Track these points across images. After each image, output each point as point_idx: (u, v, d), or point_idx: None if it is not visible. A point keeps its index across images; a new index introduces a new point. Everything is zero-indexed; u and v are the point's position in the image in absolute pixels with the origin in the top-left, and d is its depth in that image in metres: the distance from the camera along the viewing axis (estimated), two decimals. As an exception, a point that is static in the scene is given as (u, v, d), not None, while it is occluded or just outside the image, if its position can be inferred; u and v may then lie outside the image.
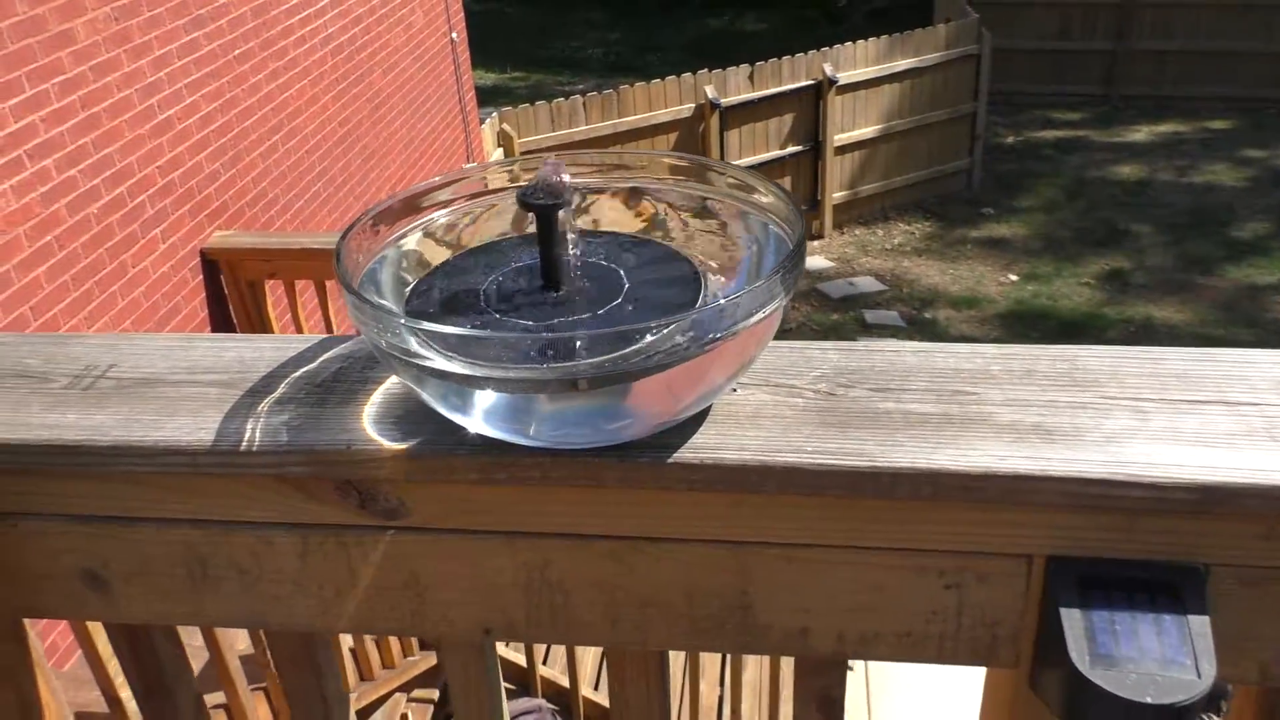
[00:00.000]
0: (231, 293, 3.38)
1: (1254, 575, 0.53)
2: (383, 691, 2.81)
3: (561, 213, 0.54)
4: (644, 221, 0.64)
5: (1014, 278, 6.99)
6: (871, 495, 0.54)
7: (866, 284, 7.05)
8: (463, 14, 5.79)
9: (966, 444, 0.54)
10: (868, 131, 7.42)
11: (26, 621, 0.71)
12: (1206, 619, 0.52)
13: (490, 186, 0.67)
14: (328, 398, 0.61)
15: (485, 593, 0.62)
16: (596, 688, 3.19)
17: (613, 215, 0.65)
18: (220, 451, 0.58)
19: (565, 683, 3.02)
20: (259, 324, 3.33)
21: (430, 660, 2.83)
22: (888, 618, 0.59)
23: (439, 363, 0.49)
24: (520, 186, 0.66)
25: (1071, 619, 0.53)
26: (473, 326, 0.53)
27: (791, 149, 7.27)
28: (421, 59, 5.23)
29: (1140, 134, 8.87)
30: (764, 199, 0.60)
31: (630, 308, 0.54)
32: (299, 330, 3.31)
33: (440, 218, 0.63)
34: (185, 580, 0.64)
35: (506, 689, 2.87)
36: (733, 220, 0.62)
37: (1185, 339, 6.20)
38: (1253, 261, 6.95)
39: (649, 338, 0.49)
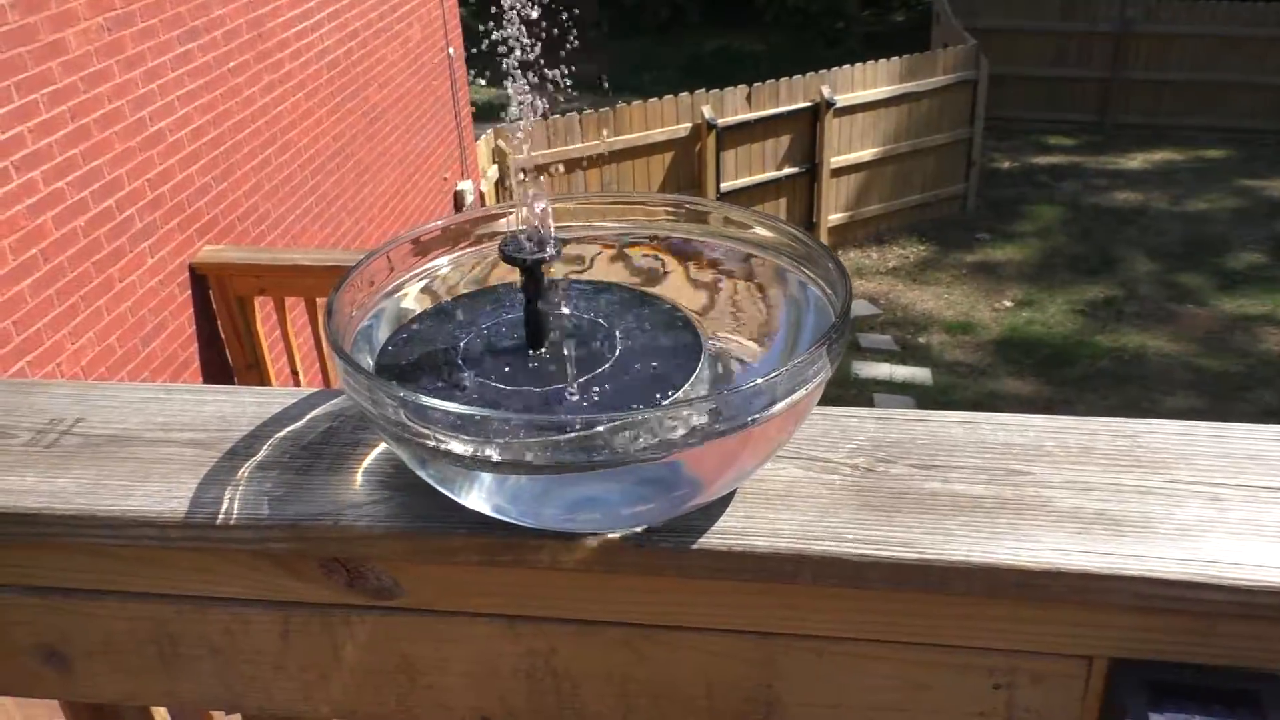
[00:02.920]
0: (220, 309, 3.32)
1: (1347, 690, 0.48)
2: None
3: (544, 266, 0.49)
4: (681, 278, 0.59)
5: (1008, 304, 6.97)
6: (917, 588, 0.49)
7: (860, 307, 7.01)
8: (460, 29, 5.76)
9: (1026, 534, 0.49)
10: (864, 154, 7.41)
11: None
12: (1291, 735, 0.47)
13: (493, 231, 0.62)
14: (314, 463, 0.55)
15: (484, 679, 0.56)
16: None
17: (639, 265, 0.60)
18: (194, 524, 0.52)
19: None
20: (248, 341, 3.27)
21: None
22: (928, 718, 0.54)
23: (439, 442, 0.43)
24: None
25: (1140, 732, 0.48)
26: (455, 394, 0.48)
27: (788, 170, 7.24)
28: (418, 74, 5.19)
29: (1135, 162, 8.88)
30: (802, 253, 0.55)
31: (639, 374, 0.49)
32: (288, 348, 3.25)
33: (443, 268, 0.58)
34: (154, 659, 0.58)
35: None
36: (770, 281, 0.56)
37: (1178, 368, 6.18)
38: (1246, 292, 6.94)
39: (678, 420, 0.43)
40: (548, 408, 0.47)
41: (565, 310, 0.53)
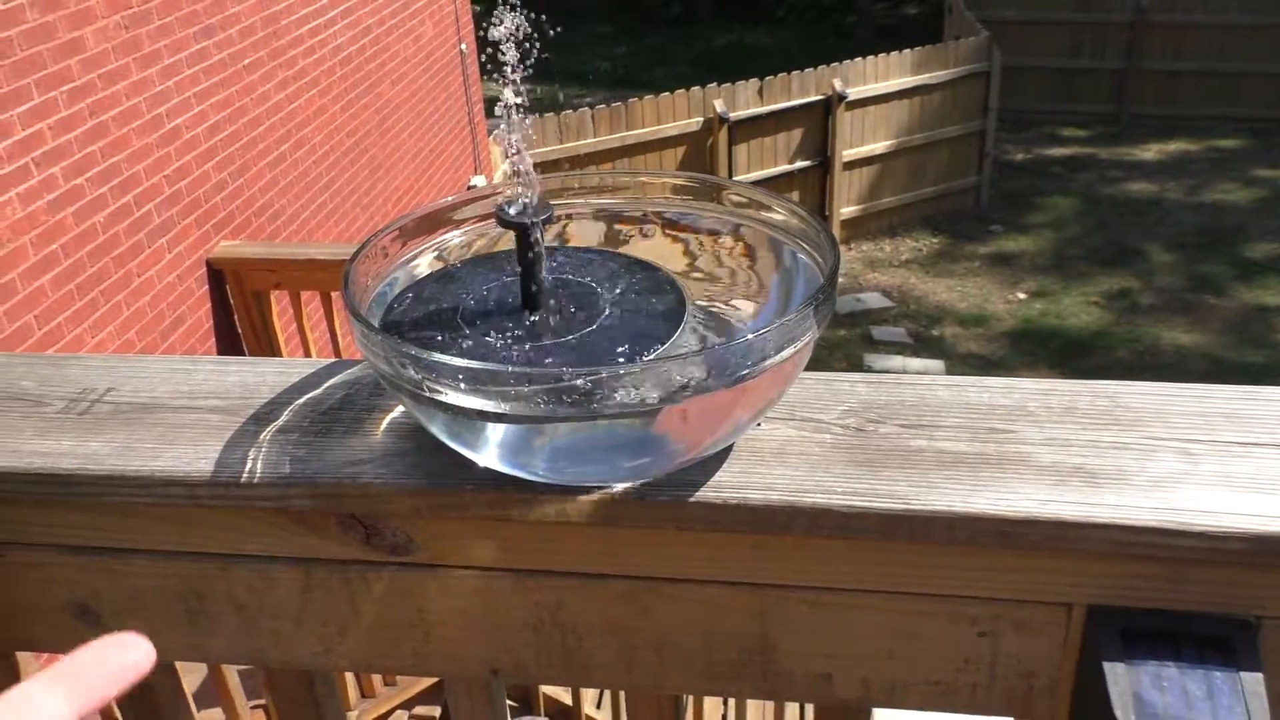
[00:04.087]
0: (237, 303, 3.36)
1: (1312, 631, 0.50)
2: (384, 709, 2.77)
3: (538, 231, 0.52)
4: (681, 251, 0.62)
5: (1022, 295, 6.96)
6: (904, 539, 0.52)
7: (874, 300, 7.02)
8: (472, 26, 5.79)
9: (1006, 486, 0.51)
10: (877, 147, 7.41)
11: (20, 654, 0.69)
12: (1260, 676, 0.49)
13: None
14: (333, 426, 0.58)
15: (494, 632, 0.59)
16: (599, 706, 3.15)
17: (628, 238, 0.63)
18: (219, 483, 0.55)
19: (569, 701, 2.98)
20: (264, 335, 3.31)
21: (433, 678, 2.80)
22: (917, 665, 0.56)
23: (450, 396, 0.46)
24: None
25: (1115, 674, 0.50)
26: (465, 353, 0.50)
27: (800, 164, 7.25)
28: (430, 70, 5.23)
29: (1150, 153, 8.84)
30: (793, 224, 0.57)
31: (626, 333, 0.52)
32: (304, 342, 3.29)
33: (454, 238, 0.61)
34: (181, 615, 0.61)
35: (510, 707, 2.84)
36: (762, 248, 0.59)
37: (1194, 360, 6.16)
38: (1263, 282, 6.91)
39: (672, 374, 0.46)
40: (547, 362, 0.50)
41: (560, 276, 0.56)
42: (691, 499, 0.52)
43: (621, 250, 0.61)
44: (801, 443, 0.55)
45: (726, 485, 0.52)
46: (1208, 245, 7.39)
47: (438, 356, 0.46)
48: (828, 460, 0.54)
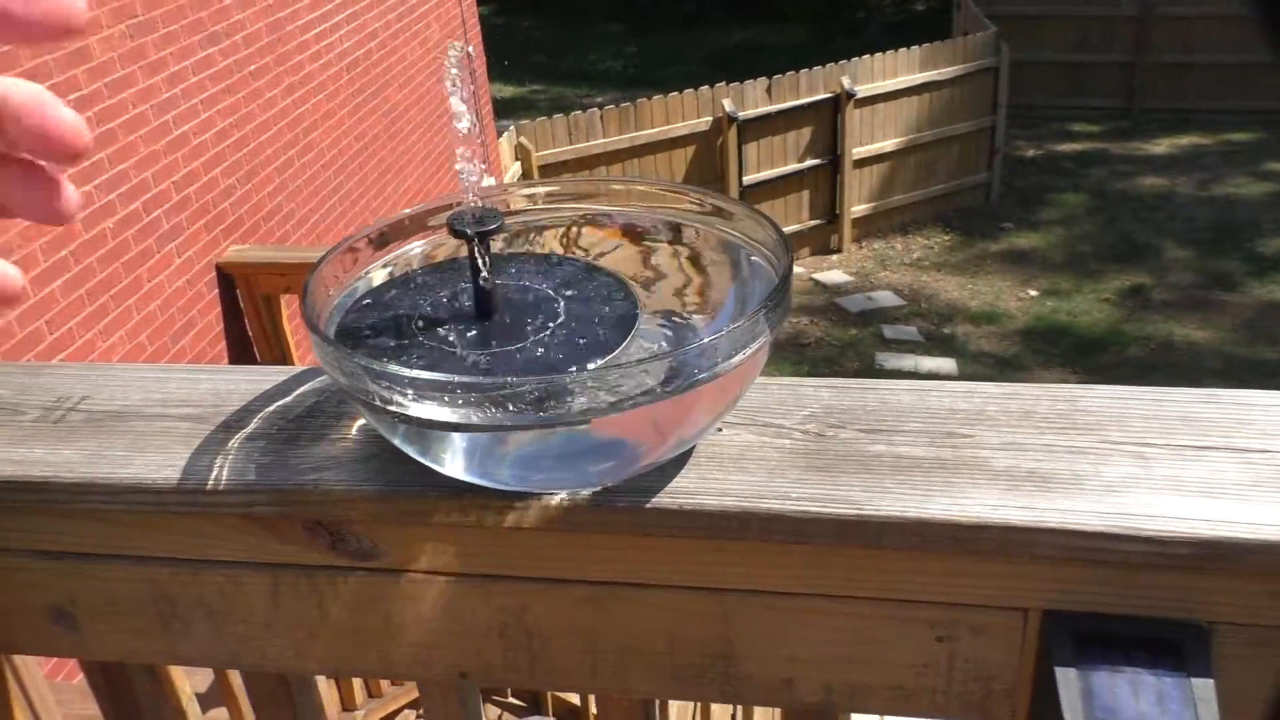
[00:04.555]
0: (247, 306, 3.39)
1: (1261, 636, 0.50)
2: (391, 709, 2.79)
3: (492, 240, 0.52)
4: (635, 250, 0.62)
5: (1034, 293, 6.93)
6: (858, 544, 0.52)
7: (885, 299, 7.00)
8: (479, 28, 5.81)
9: (959, 491, 0.52)
10: (886, 145, 7.39)
11: (11, 656, 0.70)
12: (1210, 682, 0.50)
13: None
14: (300, 434, 0.59)
15: (460, 636, 0.60)
16: (606, 707, 3.15)
17: (590, 244, 0.63)
18: (186, 490, 0.56)
19: (577, 701, 2.99)
20: (275, 338, 3.33)
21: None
22: (877, 670, 0.57)
23: (402, 407, 0.47)
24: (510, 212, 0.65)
25: (1067, 678, 0.51)
26: (420, 360, 0.51)
27: (810, 162, 7.24)
28: (438, 73, 5.25)
29: (1161, 147, 8.78)
30: (748, 227, 0.58)
31: (578, 340, 0.52)
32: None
33: (416, 248, 0.62)
34: (155, 619, 0.62)
35: (517, 706, 2.85)
36: (716, 251, 0.60)
37: (1207, 357, 6.12)
38: (1276, 278, 6.86)
39: (625, 380, 0.46)
40: (498, 371, 0.50)
41: (517, 282, 0.56)
42: (649, 505, 0.53)
43: (580, 257, 0.61)
44: (761, 448, 0.56)
45: (683, 491, 0.53)
46: (1220, 240, 7.34)
47: (390, 367, 0.47)
48: (785, 465, 0.54)
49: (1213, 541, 0.48)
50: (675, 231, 0.61)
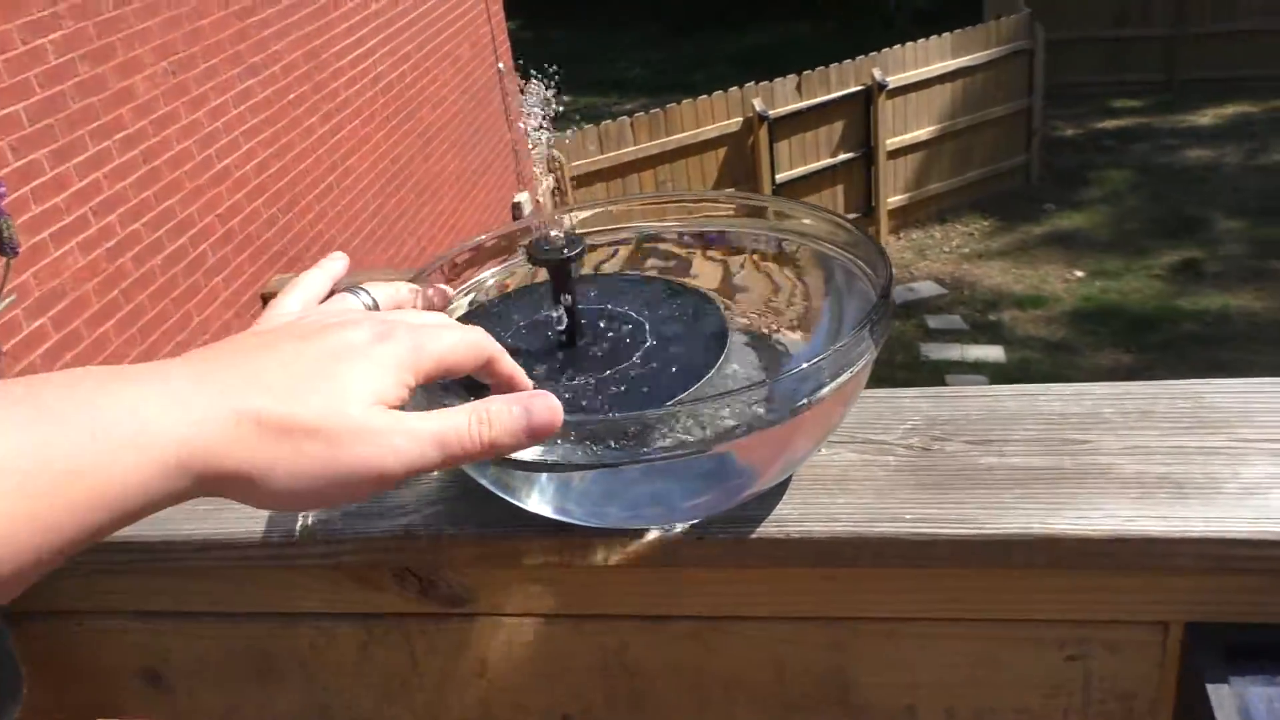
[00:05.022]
0: (294, 336, 3.41)
1: None
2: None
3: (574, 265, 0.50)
4: (721, 273, 0.60)
5: (1080, 274, 6.79)
6: (979, 565, 0.49)
7: (927, 289, 6.90)
8: (508, 44, 5.83)
9: (1086, 503, 0.48)
10: (921, 134, 7.29)
11: None
12: (1376, 692, 0.46)
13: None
14: (383, 477, 0.57)
15: (559, 679, 0.58)
16: None
17: (672, 264, 0.61)
18: (271, 544, 0.54)
19: None
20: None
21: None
22: (1003, 693, 0.54)
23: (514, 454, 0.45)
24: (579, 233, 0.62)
25: (1219, 695, 0.47)
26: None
27: (843, 156, 7.16)
28: (470, 91, 5.27)
29: (1206, 118, 8.58)
30: (840, 237, 0.55)
31: (667, 365, 0.50)
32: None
33: (489, 278, 0.60)
34: (249, 674, 0.61)
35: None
36: (809, 265, 0.57)
37: (1267, 328, 5.95)
38: (1335, 243, 6.66)
39: (726, 411, 0.44)
40: (592, 402, 0.48)
41: (599, 305, 0.54)
42: (753, 535, 0.50)
43: (661, 275, 0.59)
44: (864, 467, 0.53)
45: (788, 519, 0.50)
46: (1273, 209, 7.14)
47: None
48: (893, 485, 0.51)
49: (1373, 545, 0.45)
50: (759, 244, 0.59)
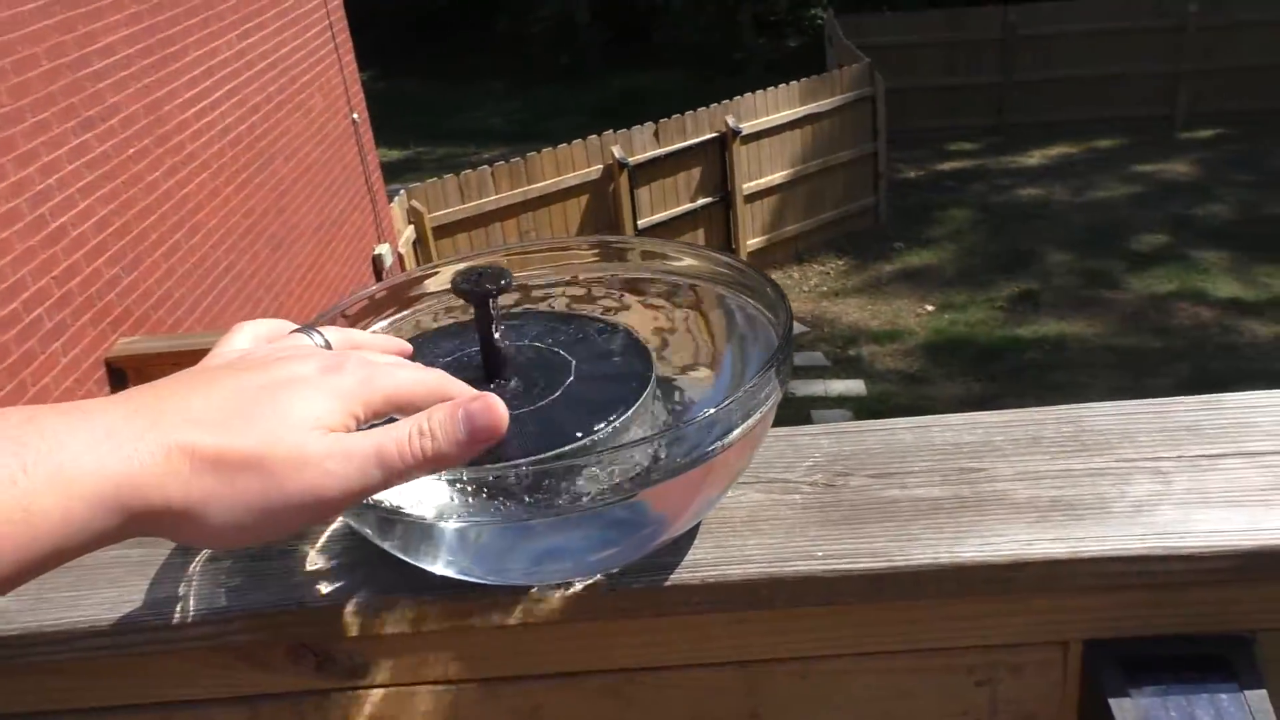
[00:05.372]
0: (143, 401, 3.22)
1: (1310, 642, 0.49)
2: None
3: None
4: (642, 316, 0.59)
5: (930, 308, 7.12)
6: (892, 597, 0.49)
7: (790, 327, 7.10)
8: (362, 95, 5.75)
9: (988, 530, 0.50)
10: (775, 178, 7.54)
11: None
12: (1264, 692, 0.48)
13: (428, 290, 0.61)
14: (269, 548, 0.54)
15: (468, 747, 0.55)
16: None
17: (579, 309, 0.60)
18: (150, 627, 0.50)
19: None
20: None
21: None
22: (917, 725, 0.54)
23: (403, 507, 0.43)
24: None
25: (1122, 709, 0.49)
26: None
27: (703, 201, 7.33)
28: (324, 143, 5.15)
29: (1034, 159, 9.19)
30: (736, 279, 0.55)
31: (589, 402, 0.48)
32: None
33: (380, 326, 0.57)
34: (117, 773, 0.55)
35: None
36: (709, 308, 0.57)
37: (1100, 352, 6.37)
38: (1153, 272, 7.20)
39: (639, 457, 0.43)
40: (502, 453, 0.46)
41: (520, 342, 0.53)
42: (667, 583, 0.49)
43: (578, 312, 0.58)
44: (772, 506, 0.53)
45: (702, 563, 0.50)
46: (1098, 242, 7.68)
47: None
48: (802, 522, 0.52)
49: (1250, 551, 0.47)
50: (659, 288, 0.58)
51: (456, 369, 0.49)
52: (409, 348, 0.47)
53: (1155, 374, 5.99)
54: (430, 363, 0.51)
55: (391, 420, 0.38)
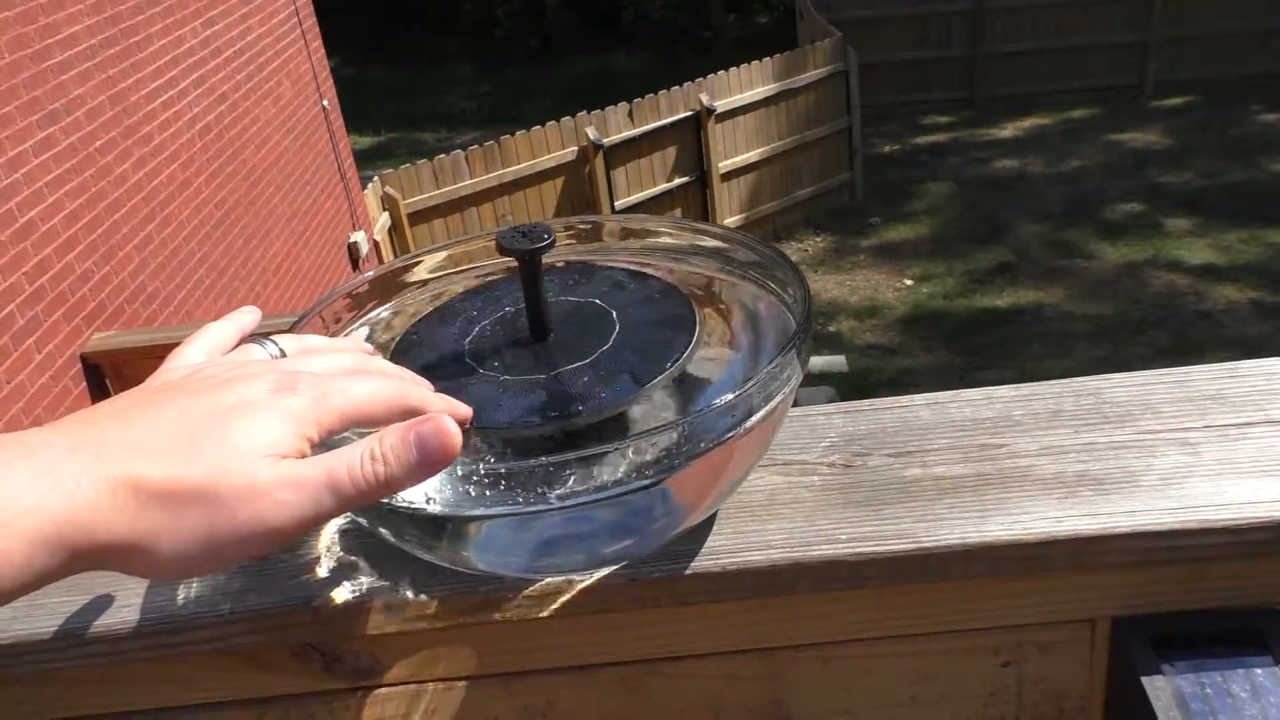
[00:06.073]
0: (120, 397, 3.18)
1: (1346, 612, 0.48)
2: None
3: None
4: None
5: (909, 282, 7.13)
6: (917, 579, 0.48)
7: (769, 305, 7.09)
8: (331, 81, 5.67)
9: (1016, 507, 0.48)
10: (750, 155, 7.51)
11: None
12: (1299, 666, 0.47)
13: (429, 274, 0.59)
14: (271, 546, 0.52)
15: (483, 745, 0.53)
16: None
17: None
18: (148, 633, 0.48)
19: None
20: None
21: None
22: (943, 707, 0.53)
23: (424, 506, 0.41)
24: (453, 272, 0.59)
25: (1156, 687, 0.47)
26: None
27: (679, 180, 7.30)
28: (294, 131, 5.08)
29: (1007, 131, 9.20)
30: (750, 258, 0.53)
31: (640, 351, 0.47)
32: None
33: (384, 313, 0.55)
34: (119, 783, 0.53)
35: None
36: (723, 289, 0.55)
37: (1078, 321, 6.40)
38: (1128, 240, 7.24)
39: (651, 448, 0.41)
40: (526, 439, 0.45)
41: (564, 298, 0.52)
42: (687, 571, 0.47)
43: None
44: (790, 489, 0.52)
45: (723, 550, 0.48)
46: (1073, 212, 7.71)
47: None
48: (823, 505, 0.50)
49: (1284, 523, 0.46)
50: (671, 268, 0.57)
51: (502, 327, 0.48)
52: (369, 348, 0.45)
53: (1131, 342, 6.04)
54: (470, 328, 0.49)
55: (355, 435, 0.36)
